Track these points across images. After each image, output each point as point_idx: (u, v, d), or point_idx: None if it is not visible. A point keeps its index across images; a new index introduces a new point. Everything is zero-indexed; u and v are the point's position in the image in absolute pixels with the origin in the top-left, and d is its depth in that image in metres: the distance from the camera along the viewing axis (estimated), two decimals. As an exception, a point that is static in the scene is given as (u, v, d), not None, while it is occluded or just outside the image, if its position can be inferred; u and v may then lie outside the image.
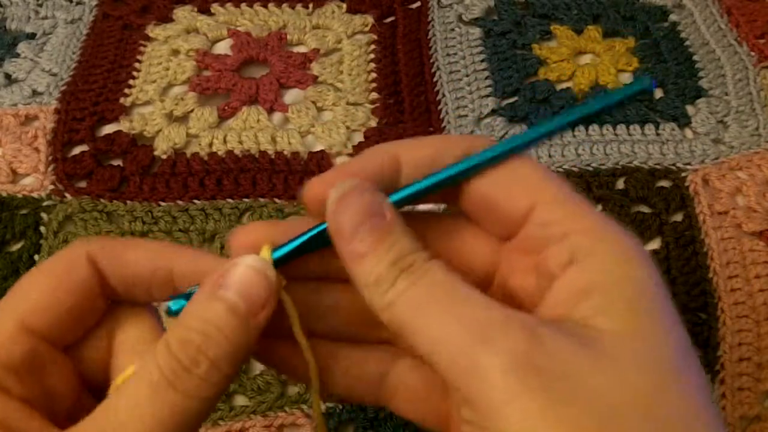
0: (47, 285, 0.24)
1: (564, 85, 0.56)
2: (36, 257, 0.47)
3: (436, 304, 0.21)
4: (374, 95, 0.55)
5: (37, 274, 0.25)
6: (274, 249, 0.24)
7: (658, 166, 0.50)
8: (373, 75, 0.57)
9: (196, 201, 0.49)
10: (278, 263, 0.24)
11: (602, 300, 0.21)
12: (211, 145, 0.53)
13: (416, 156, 0.24)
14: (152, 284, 0.25)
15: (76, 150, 0.53)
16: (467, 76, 0.57)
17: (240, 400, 0.41)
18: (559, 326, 0.21)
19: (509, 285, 0.25)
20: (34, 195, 0.50)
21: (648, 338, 0.21)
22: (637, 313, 0.21)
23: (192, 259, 0.25)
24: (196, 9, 0.62)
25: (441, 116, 0.54)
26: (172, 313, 0.24)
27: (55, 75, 0.57)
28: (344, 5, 0.62)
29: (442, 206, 0.27)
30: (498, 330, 0.20)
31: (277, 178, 0.50)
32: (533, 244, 0.23)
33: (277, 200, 0.49)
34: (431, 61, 0.58)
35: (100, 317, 0.25)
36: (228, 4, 0.63)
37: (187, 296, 0.24)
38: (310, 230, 0.24)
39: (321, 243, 0.24)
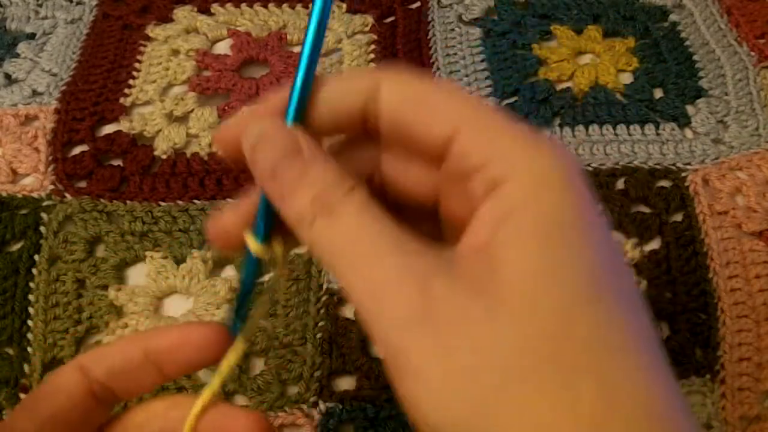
0: (34, 392, 0.26)
1: (564, 85, 0.56)
2: (36, 257, 0.47)
3: (345, 252, 0.21)
4: (374, 95, 0.55)
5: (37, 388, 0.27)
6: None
7: (658, 166, 0.50)
8: (373, 75, 0.57)
9: (196, 201, 0.49)
10: (265, 238, 0.25)
11: (512, 229, 0.20)
12: (211, 145, 0.53)
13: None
14: (134, 371, 0.26)
15: (76, 150, 0.53)
16: (467, 76, 0.57)
17: (240, 400, 0.41)
18: (456, 272, 0.20)
19: (449, 210, 0.24)
20: (34, 195, 0.50)
21: (555, 270, 0.19)
22: (546, 243, 0.19)
23: (161, 335, 0.26)
24: (196, 9, 0.62)
25: (441, 116, 0.54)
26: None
27: (55, 75, 0.57)
28: (344, 5, 0.62)
29: None
30: (393, 285, 0.20)
31: (277, 178, 0.50)
32: (459, 173, 0.22)
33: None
34: (431, 61, 0.58)
35: (98, 421, 0.26)
36: (228, 4, 0.63)
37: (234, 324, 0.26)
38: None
39: None
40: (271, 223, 0.25)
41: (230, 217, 0.25)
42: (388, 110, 0.23)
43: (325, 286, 0.44)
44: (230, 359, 0.26)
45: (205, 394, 0.26)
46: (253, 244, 0.25)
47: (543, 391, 0.18)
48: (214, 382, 0.26)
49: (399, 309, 0.20)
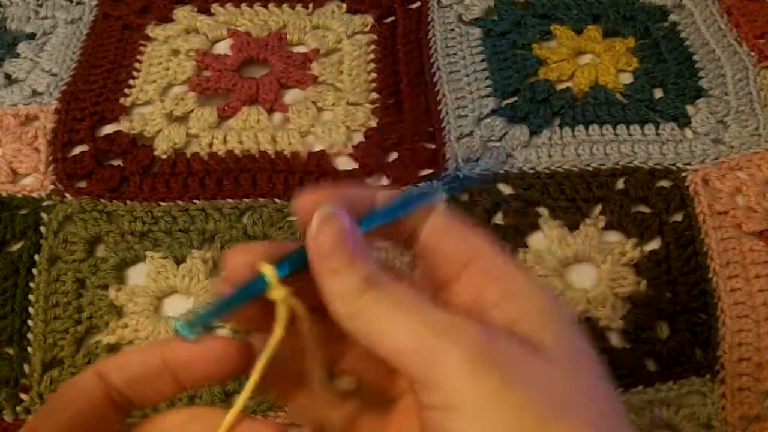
0: (55, 395, 0.27)
1: (564, 85, 0.56)
2: (36, 257, 0.47)
3: (402, 310, 0.25)
4: (374, 95, 0.55)
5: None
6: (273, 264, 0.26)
7: (658, 166, 0.50)
8: (373, 75, 0.57)
9: (196, 201, 0.49)
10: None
11: (534, 323, 0.25)
12: (211, 145, 0.53)
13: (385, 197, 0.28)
14: (151, 379, 0.26)
15: (76, 150, 0.53)
16: (467, 76, 0.57)
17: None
18: (510, 332, 0.25)
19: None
20: (34, 195, 0.50)
21: (575, 352, 0.25)
22: (564, 333, 0.25)
23: (181, 346, 0.26)
24: (196, 9, 0.62)
25: (441, 116, 0.54)
26: (178, 332, 0.26)
27: (55, 75, 0.57)
28: (344, 5, 0.62)
29: None
30: (458, 328, 0.24)
31: (277, 178, 0.51)
32: (470, 287, 0.27)
33: (277, 200, 0.49)
34: (431, 61, 0.58)
35: (114, 428, 0.27)
36: (228, 4, 0.63)
37: (193, 321, 0.26)
38: (299, 249, 0.26)
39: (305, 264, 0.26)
40: (294, 272, 0.26)
41: (254, 249, 0.27)
42: (428, 234, 0.28)
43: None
44: (256, 376, 0.26)
45: (233, 411, 0.26)
46: (269, 271, 0.26)
47: (586, 423, 0.23)
48: (239, 400, 0.26)
49: (464, 347, 0.23)
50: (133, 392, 0.26)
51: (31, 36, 0.60)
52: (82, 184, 0.51)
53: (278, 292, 0.26)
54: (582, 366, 0.25)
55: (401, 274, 0.29)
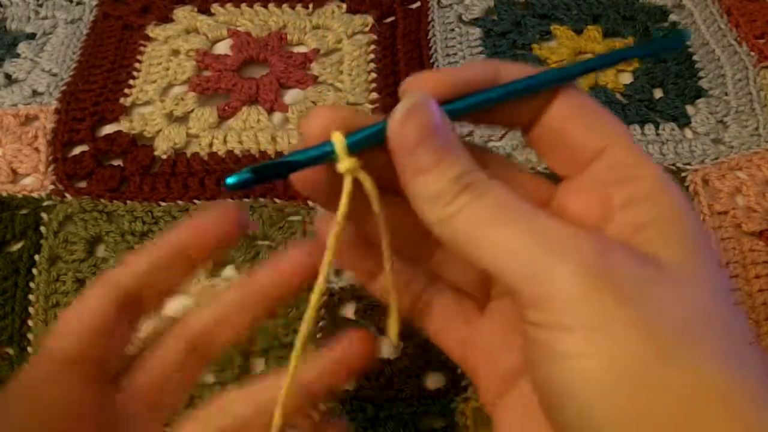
0: (67, 311, 0.27)
1: (564, 85, 0.56)
2: (36, 257, 0.47)
3: (502, 217, 0.22)
4: (374, 95, 0.55)
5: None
6: (346, 135, 0.24)
7: (658, 166, 0.50)
8: (373, 75, 0.57)
9: (196, 201, 0.49)
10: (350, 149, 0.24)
11: (658, 235, 0.22)
12: (211, 145, 0.53)
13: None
14: (162, 269, 0.27)
15: (76, 150, 0.53)
16: (467, 76, 0.57)
17: (240, 400, 0.41)
18: (626, 245, 0.22)
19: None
20: (34, 195, 0.50)
21: (700, 271, 0.22)
22: (689, 249, 0.22)
23: (181, 228, 0.27)
24: (196, 9, 0.62)
25: (441, 116, 0.54)
26: (229, 186, 0.24)
27: (55, 75, 0.57)
28: (344, 5, 0.62)
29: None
30: (569, 241, 0.21)
31: (277, 178, 0.50)
32: (597, 183, 0.24)
33: (277, 200, 0.49)
34: (431, 61, 0.58)
35: (128, 337, 0.28)
36: (228, 4, 0.63)
37: (247, 171, 0.24)
38: (378, 125, 0.24)
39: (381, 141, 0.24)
40: (360, 148, 0.24)
41: (331, 114, 0.24)
42: (557, 116, 0.25)
43: (325, 287, 0.44)
44: (329, 253, 0.25)
45: (301, 330, 0.25)
46: (339, 140, 0.23)
47: (713, 352, 0.20)
48: (314, 293, 0.25)
49: (576, 261, 0.20)
50: (145, 289, 0.27)
51: (31, 36, 0.60)
52: (82, 184, 0.51)
53: (344, 164, 0.23)
54: (710, 288, 0.22)
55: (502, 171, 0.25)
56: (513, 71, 0.25)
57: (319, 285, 0.25)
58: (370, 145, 0.24)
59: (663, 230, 0.22)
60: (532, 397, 0.22)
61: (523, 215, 0.22)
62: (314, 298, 0.25)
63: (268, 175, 0.24)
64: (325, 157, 0.24)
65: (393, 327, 0.27)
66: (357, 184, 0.24)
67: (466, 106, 0.24)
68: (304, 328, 0.25)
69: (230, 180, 0.24)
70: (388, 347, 0.43)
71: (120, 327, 0.27)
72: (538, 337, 0.21)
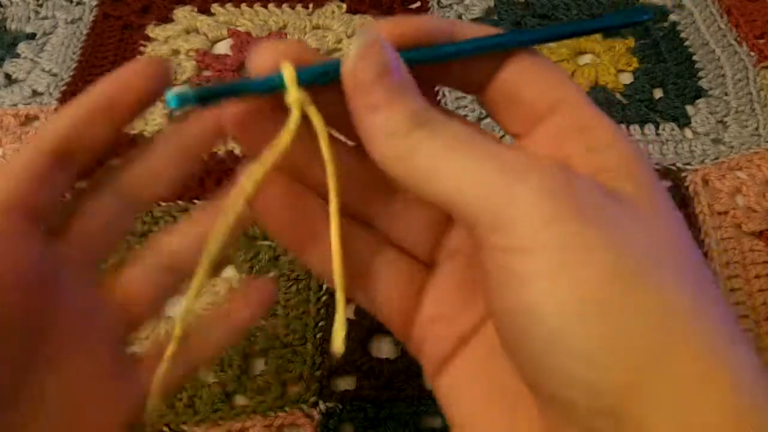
0: None
1: (564, 85, 0.56)
2: (36, 257, 0.47)
3: (462, 148, 0.21)
4: (374, 95, 0.55)
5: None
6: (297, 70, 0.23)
7: (657, 166, 0.50)
8: (373, 75, 0.57)
9: (196, 201, 0.49)
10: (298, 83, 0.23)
11: (619, 175, 0.22)
12: (211, 145, 0.53)
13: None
14: (85, 127, 0.27)
15: (76, 150, 0.53)
16: (467, 76, 0.57)
17: (240, 400, 0.41)
18: (590, 177, 0.22)
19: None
20: (34, 195, 0.50)
21: (661, 206, 0.23)
22: (650, 188, 0.23)
23: (102, 83, 0.27)
24: (196, 9, 0.62)
25: (441, 116, 0.54)
26: (172, 105, 0.23)
27: (55, 75, 0.57)
28: (344, 5, 0.62)
29: None
30: (531, 166, 0.21)
31: (277, 178, 0.50)
32: (551, 138, 0.24)
33: (277, 200, 0.49)
34: (431, 61, 0.58)
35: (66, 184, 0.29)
36: (228, 4, 0.63)
37: (187, 91, 0.23)
38: (331, 62, 0.23)
39: (334, 79, 0.23)
40: (309, 84, 0.23)
41: (282, 47, 0.24)
42: (510, 74, 0.24)
43: (325, 286, 0.44)
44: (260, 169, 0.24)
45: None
46: (289, 71, 0.23)
47: (677, 279, 0.20)
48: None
49: (540, 187, 0.20)
50: (72, 144, 0.27)
51: (31, 36, 0.60)
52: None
53: (293, 94, 0.23)
54: (671, 222, 0.22)
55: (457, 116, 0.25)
56: (469, 31, 0.24)
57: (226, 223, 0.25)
58: (320, 82, 0.23)
59: (623, 171, 0.22)
60: (486, 349, 0.22)
61: (484, 145, 0.21)
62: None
63: (210, 96, 0.24)
64: (272, 87, 0.23)
65: (340, 318, 0.24)
66: (302, 124, 0.23)
67: (419, 56, 0.23)
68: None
69: (171, 97, 0.23)
70: (387, 347, 0.43)
71: (52, 177, 0.27)
72: (501, 262, 0.21)
